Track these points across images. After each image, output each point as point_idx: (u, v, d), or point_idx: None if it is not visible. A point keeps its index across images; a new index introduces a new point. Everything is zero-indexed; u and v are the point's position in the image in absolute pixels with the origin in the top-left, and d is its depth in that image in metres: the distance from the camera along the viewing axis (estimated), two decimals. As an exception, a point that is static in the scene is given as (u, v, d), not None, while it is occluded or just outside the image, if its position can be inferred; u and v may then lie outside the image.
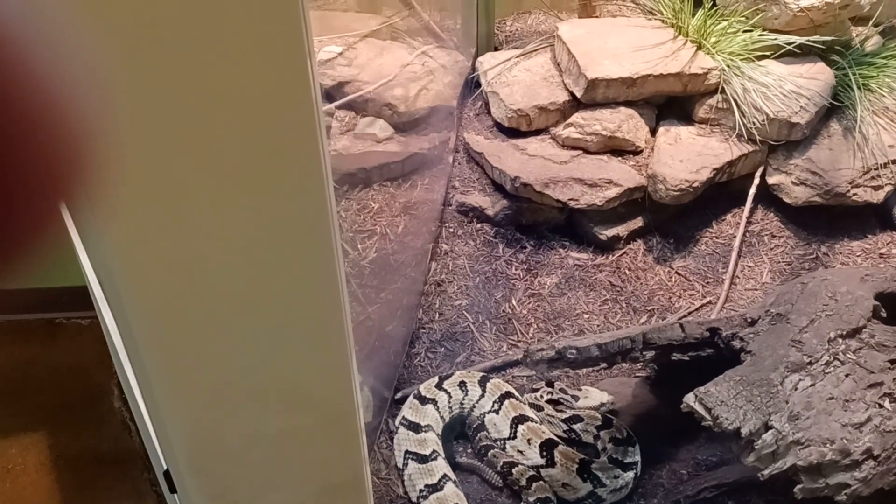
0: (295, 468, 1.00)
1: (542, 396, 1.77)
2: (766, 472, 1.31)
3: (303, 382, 0.91)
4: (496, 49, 2.67)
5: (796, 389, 1.39)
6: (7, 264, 0.24)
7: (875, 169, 2.19)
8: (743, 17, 2.27)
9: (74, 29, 0.25)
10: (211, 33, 0.60)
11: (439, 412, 1.72)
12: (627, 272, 2.16)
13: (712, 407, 1.31)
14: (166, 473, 1.06)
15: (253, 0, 0.59)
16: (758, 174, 2.26)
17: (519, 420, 1.69)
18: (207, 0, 0.58)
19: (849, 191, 2.19)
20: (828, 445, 1.32)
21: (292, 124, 0.67)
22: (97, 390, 2.02)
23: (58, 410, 2.01)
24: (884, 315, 1.58)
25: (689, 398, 1.34)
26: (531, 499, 1.59)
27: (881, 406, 1.38)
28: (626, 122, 2.25)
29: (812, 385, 1.40)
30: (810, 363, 1.44)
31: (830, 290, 1.61)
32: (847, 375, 1.43)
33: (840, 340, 1.48)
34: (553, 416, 1.72)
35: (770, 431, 1.31)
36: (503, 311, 2.07)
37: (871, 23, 2.33)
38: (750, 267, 2.18)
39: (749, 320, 1.62)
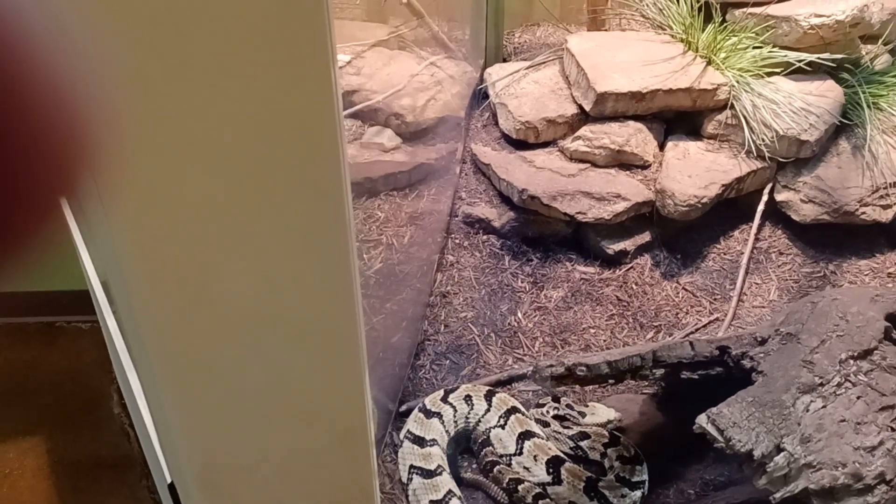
0: (304, 484, 0.98)
1: (548, 412, 1.76)
2: (777, 495, 1.29)
3: (315, 397, 0.89)
4: (504, 60, 2.67)
5: (808, 411, 1.37)
6: (6, 260, 0.24)
7: (884, 188, 2.19)
8: (753, 33, 2.27)
9: (82, 20, 0.24)
10: (232, 29, 0.58)
11: (444, 426, 1.71)
12: (634, 287, 2.15)
13: (725, 428, 1.29)
14: (171, 486, 1.04)
15: (279, 4, 0.58)
16: (766, 191, 2.26)
17: (525, 436, 1.67)
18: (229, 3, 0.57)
19: (857, 209, 2.18)
20: (840, 469, 1.31)
21: (313, 128, 0.66)
22: (96, 395, 2.00)
23: (56, 415, 1.99)
24: (895, 336, 1.57)
25: (702, 419, 1.33)
26: (536, 516, 1.57)
27: (893, 430, 1.37)
28: (635, 137, 2.25)
29: (824, 407, 1.39)
30: (822, 384, 1.43)
31: (841, 310, 1.60)
32: (859, 397, 1.42)
33: (851, 362, 1.47)
34: (560, 433, 1.70)
35: (782, 454, 1.30)
36: (509, 324, 2.05)
37: (880, 41, 2.33)
38: (757, 284, 2.17)
39: (759, 339, 1.60)
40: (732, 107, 2.22)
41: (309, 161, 0.67)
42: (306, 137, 0.66)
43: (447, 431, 1.71)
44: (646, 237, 2.22)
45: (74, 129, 0.23)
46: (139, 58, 0.55)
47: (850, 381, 1.44)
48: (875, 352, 1.50)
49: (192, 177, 0.65)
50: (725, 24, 2.33)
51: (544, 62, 2.52)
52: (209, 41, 0.58)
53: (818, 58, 2.21)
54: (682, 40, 2.40)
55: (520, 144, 2.34)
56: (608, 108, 2.25)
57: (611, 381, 1.63)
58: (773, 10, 2.25)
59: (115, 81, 0.27)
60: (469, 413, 1.74)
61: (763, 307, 2.11)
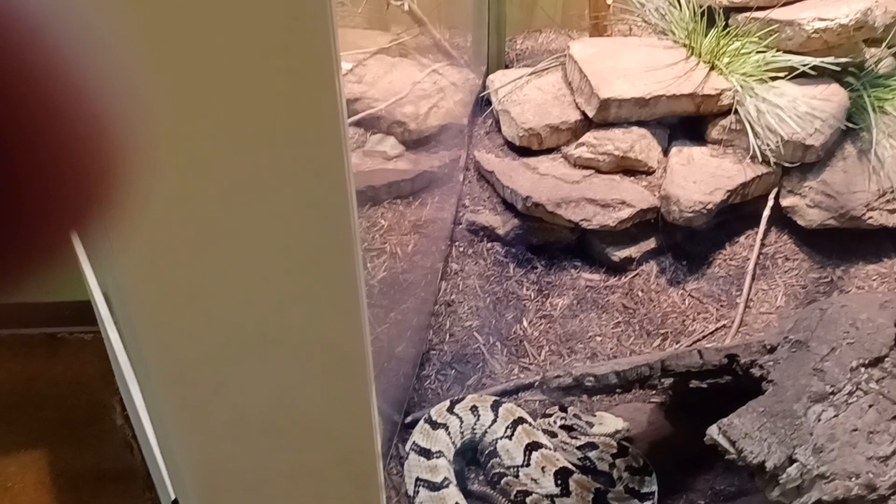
0: (310, 502, 0.97)
1: (555, 422, 1.74)
2: (790, 506, 1.28)
3: (321, 413, 0.88)
4: (507, 67, 2.65)
5: (819, 420, 1.36)
6: (9, 285, 0.22)
7: (891, 192, 2.17)
8: (756, 37, 2.26)
9: (102, 41, 0.22)
10: (235, 51, 0.57)
11: (451, 437, 1.69)
12: (640, 294, 2.13)
13: (736, 440, 1.27)
14: (174, 503, 1.03)
15: (282, 17, 0.56)
16: (772, 196, 2.24)
17: (532, 447, 1.65)
18: (231, 19, 0.56)
19: (864, 214, 2.16)
20: (853, 479, 1.29)
21: (317, 140, 0.65)
22: (99, 407, 1.99)
23: (59, 427, 1.97)
24: (906, 343, 1.55)
25: (713, 431, 1.31)
26: (545, 528, 1.55)
27: (906, 438, 1.35)
28: (639, 142, 2.23)
29: (835, 416, 1.37)
30: (833, 393, 1.41)
31: (850, 316, 1.58)
32: (870, 406, 1.40)
33: (862, 370, 1.45)
34: (567, 443, 1.69)
35: (794, 465, 1.28)
36: (514, 332, 2.03)
37: (884, 44, 2.31)
38: (764, 290, 2.15)
39: (768, 347, 1.59)
40: (736, 112, 2.20)
41: (313, 173, 0.66)
42: (310, 149, 0.65)
43: (453, 443, 1.69)
44: (651, 244, 2.21)
45: (93, 157, 0.22)
46: (150, 76, 0.54)
47: (861, 390, 1.42)
48: (886, 359, 1.49)
49: (192, 189, 0.64)
50: (728, 29, 2.32)
51: (547, 68, 2.51)
52: (210, 51, 0.57)
53: (822, 62, 2.19)
54: (684, 45, 2.39)
55: (523, 151, 2.33)
56: (611, 114, 2.24)
57: (618, 390, 1.62)
58: (776, 14, 2.24)
59: (133, 99, 0.25)
60: (475, 424, 1.72)
61: (770, 313, 2.09)
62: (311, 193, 0.68)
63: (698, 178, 2.17)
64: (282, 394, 0.84)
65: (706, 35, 2.33)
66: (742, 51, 2.27)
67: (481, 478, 1.70)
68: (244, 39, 0.57)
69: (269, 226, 0.69)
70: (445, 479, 1.60)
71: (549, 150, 2.33)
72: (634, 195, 2.17)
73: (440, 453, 1.65)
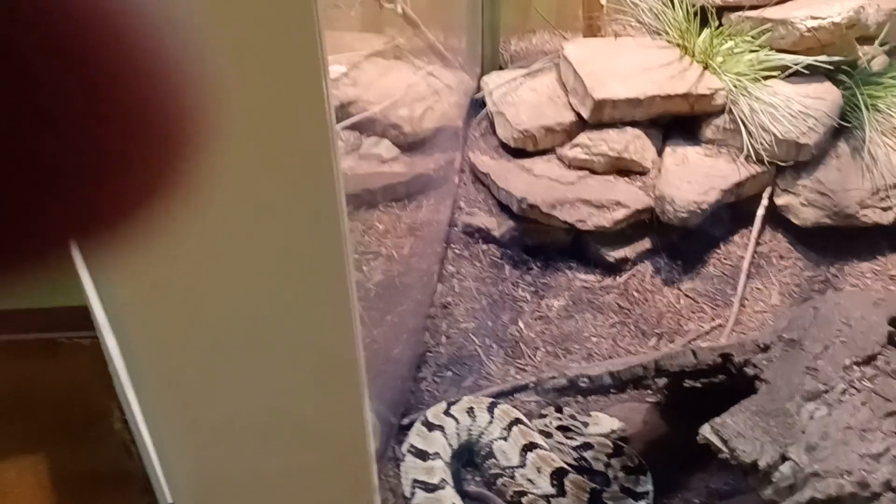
0: (305, 503, 0.97)
1: (551, 423, 1.74)
2: (783, 504, 1.28)
3: (313, 419, 0.89)
4: (501, 68, 2.66)
5: (812, 419, 1.36)
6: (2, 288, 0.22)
7: (884, 190, 2.18)
8: (749, 37, 2.27)
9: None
10: (226, 52, 0.58)
11: (447, 439, 1.69)
12: (635, 294, 2.14)
13: (729, 439, 1.28)
14: (171, 507, 1.03)
15: (269, 19, 0.57)
16: (766, 195, 2.25)
17: (528, 448, 1.66)
18: (223, 20, 0.56)
19: (858, 212, 2.17)
20: (846, 477, 1.29)
21: (306, 145, 0.65)
22: (97, 411, 1.99)
23: (57, 431, 1.97)
24: (899, 341, 1.56)
25: (706, 430, 1.32)
26: (541, 529, 1.56)
27: (899, 436, 1.35)
28: (633, 143, 2.24)
29: (828, 414, 1.38)
30: (826, 391, 1.42)
31: (844, 315, 1.58)
32: (863, 404, 1.41)
33: (856, 368, 1.46)
34: (563, 444, 1.69)
35: (787, 463, 1.29)
36: (510, 333, 2.04)
37: (877, 42, 2.32)
38: (759, 289, 2.16)
39: (761, 346, 1.59)
40: (730, 111, 2.21)
41: (302, 177, 0.67)
42: (298, 153, 0.65)
43: (450, 444, 1.70)
44: (646, 244, 2.22)
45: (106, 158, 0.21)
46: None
47: (854, 388, 1.43)
48: (879, 357, 1.49)
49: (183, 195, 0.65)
50: (721, 29, 2.32)
51: (541, 70, 2.52)
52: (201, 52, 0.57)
53: (815, 60, 2.20)
54: (678, 45, 2.39)
55: (518, 153, 2.34)
56: (606, 115, 2.24)
57: (613, 391, 1.62)
58: (769, 13, 2.25)
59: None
60: (472, 425, 1.72)
61: (765, 312, 2.10)
62: (300, 197, 0.68)
63: (692, 177, 2.17)
64: (275, 397, 0.85)
65: (700, 35, 2.34)
66: (735, 50, 2.28)
67: (478, 479, 1.71)
68: (233, 41, 0.57)
69: (259, 230, 0.69)
70: (442, 480, 1.61)
71: (543, 152, 2.33)
72: (629, 196, 2.18)
73: (437, 455, 1.65)
